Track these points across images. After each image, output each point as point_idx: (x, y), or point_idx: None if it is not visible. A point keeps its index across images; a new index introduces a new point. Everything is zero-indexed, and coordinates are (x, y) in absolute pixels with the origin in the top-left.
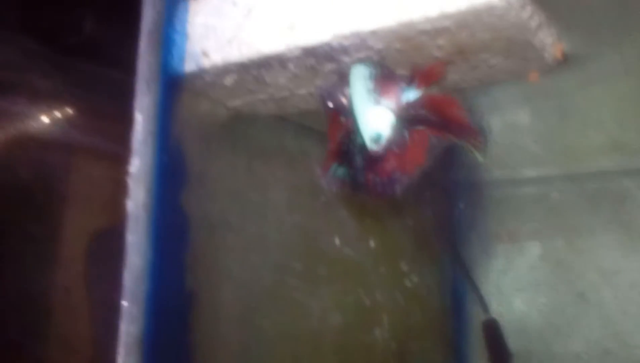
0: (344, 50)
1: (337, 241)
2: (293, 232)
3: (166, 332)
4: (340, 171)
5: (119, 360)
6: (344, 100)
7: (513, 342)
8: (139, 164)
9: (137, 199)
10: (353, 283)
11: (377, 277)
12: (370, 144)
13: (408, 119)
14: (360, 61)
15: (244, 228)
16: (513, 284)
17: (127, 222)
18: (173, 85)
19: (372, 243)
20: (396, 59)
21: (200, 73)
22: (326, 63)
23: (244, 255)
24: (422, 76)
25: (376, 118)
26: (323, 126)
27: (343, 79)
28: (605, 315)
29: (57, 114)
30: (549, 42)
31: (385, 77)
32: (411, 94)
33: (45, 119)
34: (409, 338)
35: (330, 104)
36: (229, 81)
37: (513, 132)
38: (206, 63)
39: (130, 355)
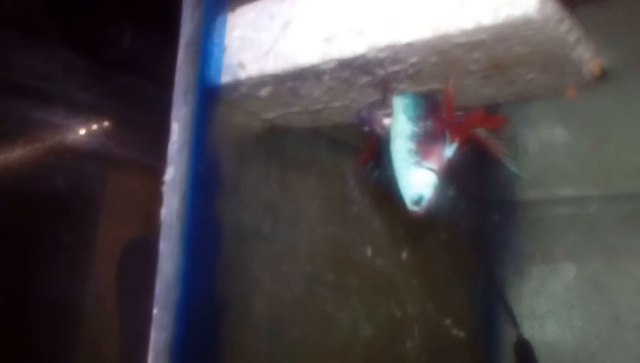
0: (379, 62)
1: (368, 252)
2: (325, 243)
3: (195, 339)
4: (376, 172)
5: None
6: (380, 130)
7: None
8: (174, 173)
9: (171, 207)
10: (384, 295)
11: (409, 289)
12: (410, 206)
13: None
14: (403, 96)
15: (275, 238)
16: (547, 306)
17: (160, 230)
18: (209, 96)
19: (404, 255)
20: (432, 72)
21: (236, 85)
22: (361, 76)
23: (275, 265)
24: (461, 130)
25: (418, 180)
26: (356, 140)
27: (383, 100)
28: None
29: (94, 125)
30: (587, 57)
31: (427, 134)
32: (450, 150)
33: (82, 130)
34: (440, 352)
35: (367, 128)
36: (264, 92)
37: (549, 150)
38: (242, 75)
39: (159, 361)
